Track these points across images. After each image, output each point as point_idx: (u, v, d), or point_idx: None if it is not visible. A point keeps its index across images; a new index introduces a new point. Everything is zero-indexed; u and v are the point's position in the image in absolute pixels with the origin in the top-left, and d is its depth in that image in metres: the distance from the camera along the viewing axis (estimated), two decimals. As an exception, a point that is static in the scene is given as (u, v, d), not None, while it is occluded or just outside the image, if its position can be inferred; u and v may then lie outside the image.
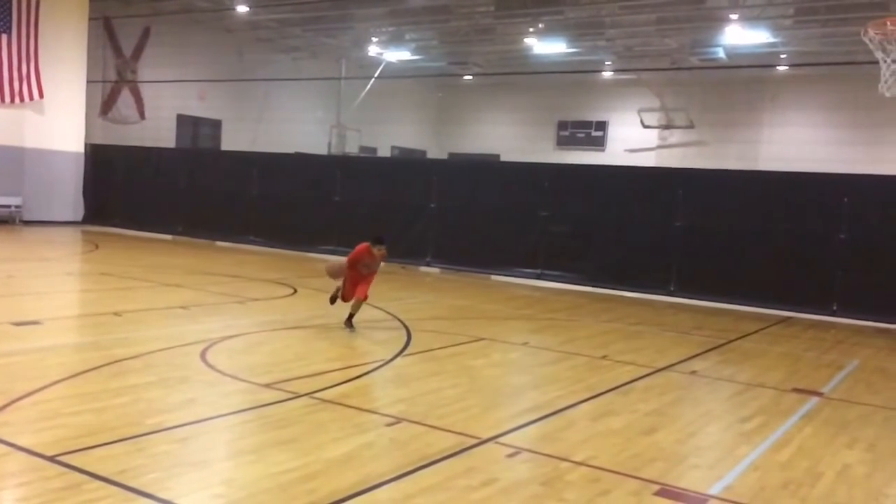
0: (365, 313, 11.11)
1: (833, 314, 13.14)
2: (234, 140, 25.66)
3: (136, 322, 9.23)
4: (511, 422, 6.12)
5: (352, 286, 9.42)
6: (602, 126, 31.97)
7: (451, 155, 31.99)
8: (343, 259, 9.62)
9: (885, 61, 6.46)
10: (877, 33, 6.46)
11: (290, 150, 23.13)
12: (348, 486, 4.54)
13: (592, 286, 15.18)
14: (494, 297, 14.17)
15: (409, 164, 22.95)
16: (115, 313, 9.60)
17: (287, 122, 27.12)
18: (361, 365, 7.73)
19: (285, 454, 5.01)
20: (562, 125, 32.83)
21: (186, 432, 5.37)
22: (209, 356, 7.65)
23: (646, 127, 28.80)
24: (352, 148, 28.88)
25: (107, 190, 22.27)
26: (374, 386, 7.18)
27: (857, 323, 12.76)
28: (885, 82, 6.52)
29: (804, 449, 5.89)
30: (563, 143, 32.54)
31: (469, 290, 14.70)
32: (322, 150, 26.83)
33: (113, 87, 23.86)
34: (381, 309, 11.30)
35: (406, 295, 13.46)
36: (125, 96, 24.11)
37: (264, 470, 4.73)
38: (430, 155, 32.37)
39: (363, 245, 9.35)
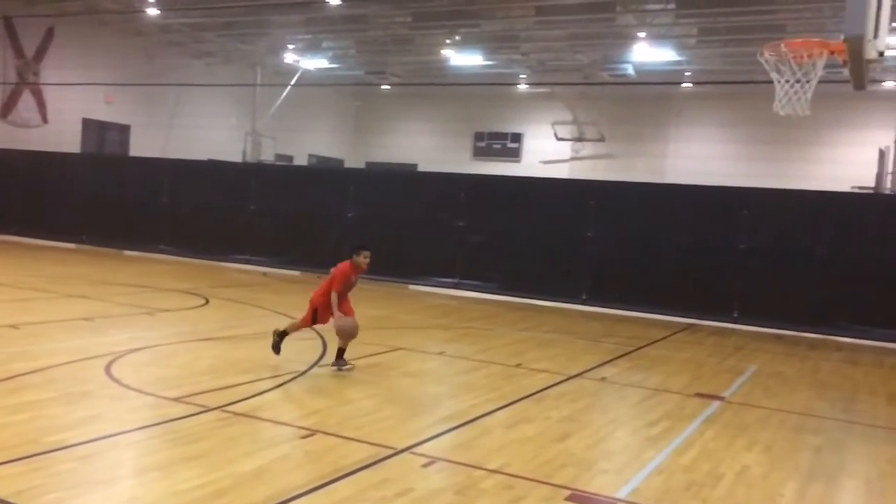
0: (279, 323, 10.94)
1: (734, 321, 13.75)
2: (143, 146, 24.84)
3: (36, 335, 8.82)
4: (427, 431, 6.15)
5: (329, 309, 8.03)
6: (518, 138, 32.54)
7: (369, 164, 31.92)
8: (345, 318, 8.03)
9: (780, 82, 6.85)
10: (772, 55, 6.84)
11: (203, 157, 22.60)
12: (260, 500, 4.47)
13: (508, 295, 15.41)
14: (412, 306, 14.20)
15: (326, 173, 22.80)
16: (13, 326, 9.14)
17: (200, 128, 26.47)
18: (275, 377, 7.61)
19: (194, 470, 4.89)
20: (478, 136, 33.25)
21: (89, 450, 5.17)
22: (114, 370, 7.39)
23: (559, 139, 29.49)
24: (267, 156, 28.42)
25: (6, 196, 21.17)
26: (288, 398, 7.08)
27: (755, 329, 13.39)
28: (780, 101, 6.90)
29: (706, 451, 6.14)
30: (480, 153, 32.95)
31: (386, 300, 14.67)
32: (236, 157, 26.29)
33: (13, 89, 22.76)
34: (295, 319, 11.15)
35: (322, 305, 13.31)
36: (26, 99, 23.05)
37: (171, 487, 4.60)
38: (348, 164, 32.21)
39: (343, 265, 8.10)
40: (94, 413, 6.02)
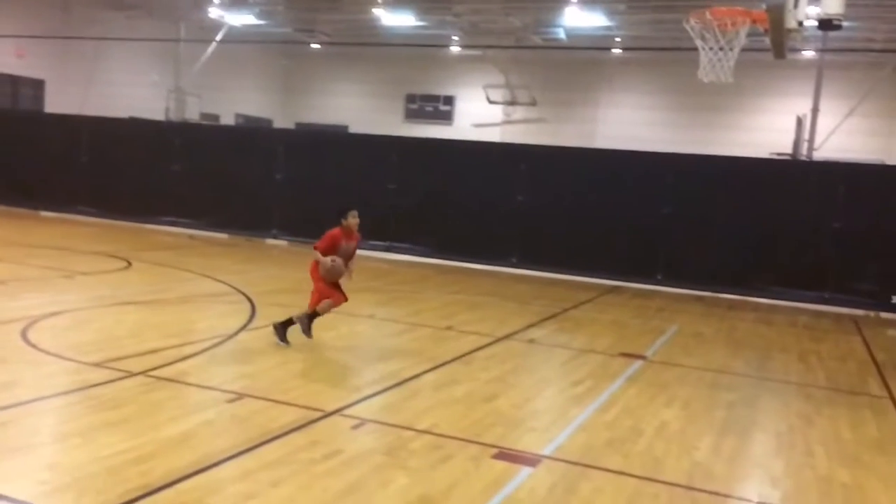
0: (206, 287, 10.76)
1: (657, 283, 14.17)
2: (59, 102, 23.67)
3: (-55, 300, 8.43)
4: (356, 394, 6.17)
5: (327, 287, 7.54)
6: (450, 101, 32.39)
7: (299, 125, 31.31)
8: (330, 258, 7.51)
9: (705, 49, 6.99)
10: (697, 22, 6.97)
11: (124, 114, 21.72)
12: (185, 465, 4.42)
13: (440, 258, 15.47)
14: (342, 269, 14.09)
15: (254, 134, 22.21)
16: (-80, 291, 8.71)
17: (120, 84, 25.38)
18: (201, 341, 7.48)
19: (116, 436, 4.78)
20: (410, 98, 32.94)
21: (5, 416, 5.00)
22: (31, 335, 7.13)
23: (491, 103, 29.45)
24: (192, 114, 27.49)
25: None
26: (214, 362, 6.97)
27: (677, 291, 13.84)
28: (704, 68, 7.06)
29: (628, 409, 6.35)
30: (412, 116, 32.69)
31: (316, 263, 14.54)
32: (159, 115, 25.37)
33: (-87, 38, 21.31)
34: (223, 282, 10.98)
35: (250, 268, 13.12)
36: (-72, 50, 21.64)
37: (93, 453, 4.50)
38: (277, 124, 31.50)
39: (332, 231, 7.60)
40: (9, 379, 5.81)
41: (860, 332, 11.33)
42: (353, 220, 7.73)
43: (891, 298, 12.81)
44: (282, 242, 17.06)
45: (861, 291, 13.04)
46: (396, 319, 9.67)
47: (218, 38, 26.01)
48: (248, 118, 31.88)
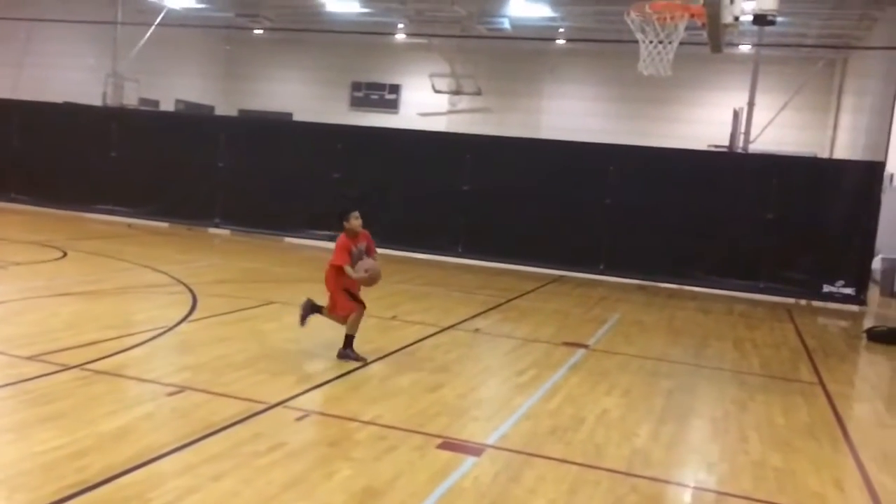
0: (146, 277, 10.54)
1: (600, 273, 14.41)
2: (-11, 85, 22.77)
3: None
4: (300, 385, 6.13)
5: (345, 296, 7.07)
6: (396, 89, 32.23)
7: (242, 112, 30.76)
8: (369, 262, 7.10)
9: (644, 42, 7.12)
10: (637, 15, 7.09)
11: (59, 99, 21.01)
12: (124, 460, 4.33)
13: (385, 247, 15.23)
14: (287, 259, 13.97)
15: (195, 120, 21.74)
16: None
17: (54, 67, 24.53)
18: (140, 333, 7.32)
19: (51, 431, 4.66)
20: (356, 86, 32.68)
21: (-68, 415, 4.83)
22: (-40, 329, 6.88)
23: (437, 92, 29.43)
24: (130, 100, 26.73)
25: None
26: (154, 355, 6.84)
27: (619, 280, 14.10)
28: (644, 61, 7.19)
29: (570, 397, 6.46)
30: (358, 104, 32.44)
31: (261, 253, 14.37)
32: (96, 100, 24.60)
33: None
34: (163, 272, 10.75)
35: (192, 258, 12.88)
36: None
37: (26, 449, 4.38)
38: (219, 111, 30.87)
39: (340, 241, 7.18)
40: (-64, 375, 5.61)
41: (793, 321, 11.73)
42: (355, 221, 7.23)
43: (822, 287, 13.29)
44: (225, 231, 16.79)
45: (794, 281, 13.49)
46: (341, 310, 9.60)
47: (157, 21, 25.32)
48: (188, 104, 31.16)
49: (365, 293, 7.15)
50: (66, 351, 6.42)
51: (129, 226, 16.55)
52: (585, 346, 8.52)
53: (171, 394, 5.58)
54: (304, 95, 31.90)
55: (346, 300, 7.07)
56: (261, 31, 28.96)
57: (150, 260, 11.73)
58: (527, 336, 8.88)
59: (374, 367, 6.89)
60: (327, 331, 8.60)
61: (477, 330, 8.98)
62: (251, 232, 16.50)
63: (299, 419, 5.32)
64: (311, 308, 7.31)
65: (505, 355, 8.05)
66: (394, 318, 9.19)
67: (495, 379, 7.07)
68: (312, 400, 5.82)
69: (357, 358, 6.97)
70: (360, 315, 7.08)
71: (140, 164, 17.04)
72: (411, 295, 11.18)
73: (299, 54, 32.16)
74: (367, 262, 7.04)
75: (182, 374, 6.11)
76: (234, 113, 30.03)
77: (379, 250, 14.55)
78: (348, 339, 7.06)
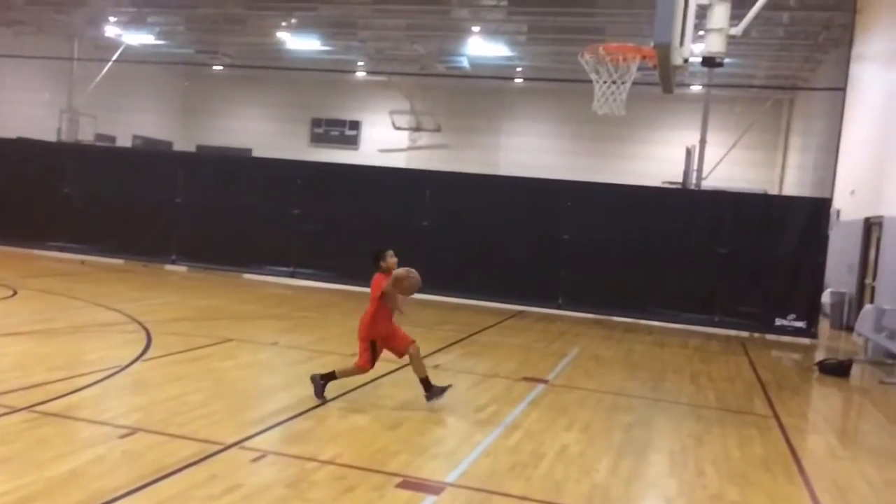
0: (99, 316, 10.34)
1: (559, 307, 14.53)
2: (-61, 120, 22.31)
3: None
4: (257, 425, 6.03)
5: (368, 348, 7.01)
6: (356, 125, 32.39)
7: (200, 148, 30.57)
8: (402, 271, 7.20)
9: (598, 82, 7.31)
10: (591, 56, 7.29)
11: (12, 134, 20.66)
12: (73, 506, 4.20)
13: (345, 284, 15.35)
14: (245, 296, 13.81)
15: (152, 156, 21.52)
16: None
17: (9, 103, 24.17)
18: (92, 373, 7.14)
19: (-2, 477, 4.51)
20: (316, 122, 32.77)
21: None
22: None
23: (397, 128, 29.68)
24: (86, 135, 26.44)
25: None
26: (106, 395, 6.68)
27: (578, 315, 14.22)
28: (598, 101, 7.37)
29: (530, 433, 6.47)
30: (318, 140, 32.50)
31: (218, 290, 14.18)
32: (51, 136, 24.26)
33: None
34: (117, 311, 10.54)
35: (147, 295, 12.66)
36: None
37: (-29, 497, 4.23)
38: (177, 147, 30.64)
39: (375, 278, 7.21)
40: None
41: (747, 354, 11.94)
42: (391, 260, 7.28)
43: (774, 321, 13.57)
44: (182, 268, 16.57)
45: (747, 314, 13.75)
46: (301, 347, 9.52)
47: (114, 57, 25.16)
48: (146, 140, 30.88)
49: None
50: (13, 393, 6.23)
51: (83, 263, 16.24)
52: (545, 381, 8.55)
53: (122, 436, 5.45)
54: (264, 131, 31.87)
55: (365, 351, 6.99)
56: (220, 68, 28.95)
57: (104, 298, 11.51)
58: (487, 371, 8.89)
59: (334, 405, 6.81)
60: (284, 368, 8.51)
61: (437, 366, 8.94)
62: (209, 268, 16.31)
63: (255, 460, 5.23)
64: (321, 380, 6.99)
65: (465, 391, 8.03)
66: (354, 354, 9.07)
67: (455, 415, 7.04)
68: (270, 440, 5.74)
69: (442, 390, 7.00)
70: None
71: (94, 200, 16.80)
72: (371, 331, 11.10)
73: (259, 90, 32.18)
74: (412, 270, 7.05)
75: (134, 416, 5.97)
76: (192, 149, 29.83)
77: (338, 286, 14.69)
78: (426, 382, 6.97)
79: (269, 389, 7.54)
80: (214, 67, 29.22)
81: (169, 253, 16.60)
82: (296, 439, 5.83)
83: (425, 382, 7.03)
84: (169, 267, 16.57)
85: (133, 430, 5.57)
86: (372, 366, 7.08)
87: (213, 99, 32.86)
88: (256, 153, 28.34)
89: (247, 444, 5.52)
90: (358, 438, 5.89)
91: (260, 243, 16.03)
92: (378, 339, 7.02)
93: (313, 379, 7.01)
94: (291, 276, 15.89)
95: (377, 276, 7.20)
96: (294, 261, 15.93)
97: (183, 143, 31.14)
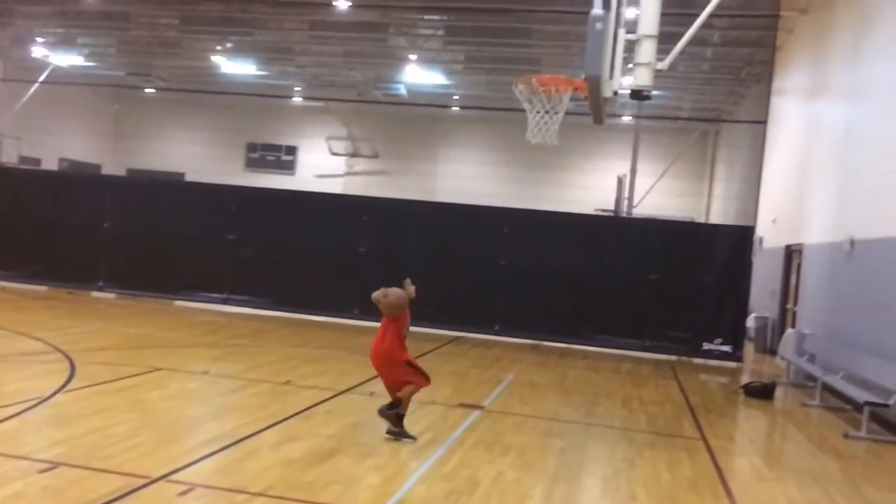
0: (19, 345, 9.95)
1: (495, 333, 14.62)
2: None
3: None
4: (186, 457, 5.87)
5: (410, 368, 7.17)
6: (292, 150, 32.18)
7: (131, 171, 29.87)
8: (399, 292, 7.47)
9: (532, 112, 7.49)
10: (525, 87, 7.46)
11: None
12: (-12, 546, 4.01)
13: (280, 311, 15.16)
14: (175, 324, 13.47)
15: (79, 179, 20.90)
16: None
17: (-75, 123, 23.20)
18: (10, 405, 6.84)
19: None
20: (251, 147, 32.43)
21: None
22: None
23: (334, 154, 29.64)
24: (10, 158, 25.56)
25: None
26: (25, 429, 6.40)
27: (514, 341, 14.34)
28: (531, 131, 7.54)
29: (466, 459, 6.47)
30: (253, 165, 32.15)
31: (147, 317, 13.80)
32: (-30, 158, 23.36)
33: None
34: (39, 339, 10.15)
35: (72, 323, 12.24)
36: None
37: None
38: (107, 170, 29.87)
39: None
40: None
41: (676, 377, 12.23)
42: (410, 287, 7.54)
43: (702, 345, 13.95)
44: (109, 295, 16.09)
45: (676, 339, 14.11)
46: (232, 375, 9.32)
47: (41, 78, 24.47)
48: (74, 163, 30.02)
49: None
50: (-76, 427, 5.93)
51: (2, 289, 15.60)
52: (481, 408, 8.57)
53: (43, 471, 5.23)
54: (198, 155, 31.37)
55: (413, 371, 7.10)
56: (152, 91, 28.44)
57: (25, 326, 11.07)
58: (423, 398, 8.83)
59: (266, 435, 6.69)
60: (215, 398, 8.31)
61: (372, 393, 8.88)
62: (138, 295, 15.88)
63: (183, 493, 5.09)
64: (390, 411, 6.94)
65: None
66: (287, 382, 9.00)
67: (391, 443, 6.99)
68: (199, 472, 5.59)
69: (407, 435, 6.87)
70: (419, 387, 7.11)
71: (16, 225, 16.22)
72: (307, 358, 10.99)
73: (193, 114, 31.71)
74: (376, 293, 7.32)
75: (56, 449, 5.74)
76: (122, 172, 29.12)
77: (273, 313, 14.54)
78: (400, 418, 6.89)
79: (199, 420, 7.35)
80: (147, 90, 28.68)
81: (96, 279, 16.11)
82: (226, 471, 5.70)
83: (399, 418, 6.92)
84: (96, 294, 16.07)
85: (54, 465, 5.35)
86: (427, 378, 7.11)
87: (145, 122, 32.20)
88: (190, 177, 27.85)
89: (174, 477, 5.36)
90: (291, 469, 5.80)
91: (192, 269, 15.72)
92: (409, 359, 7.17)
93: (382, 413, 6.88)
94: (224, 302, 15.59)
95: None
96: (227, 287, 15.66)
97: (113, 167, 30.39)
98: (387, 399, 7.14)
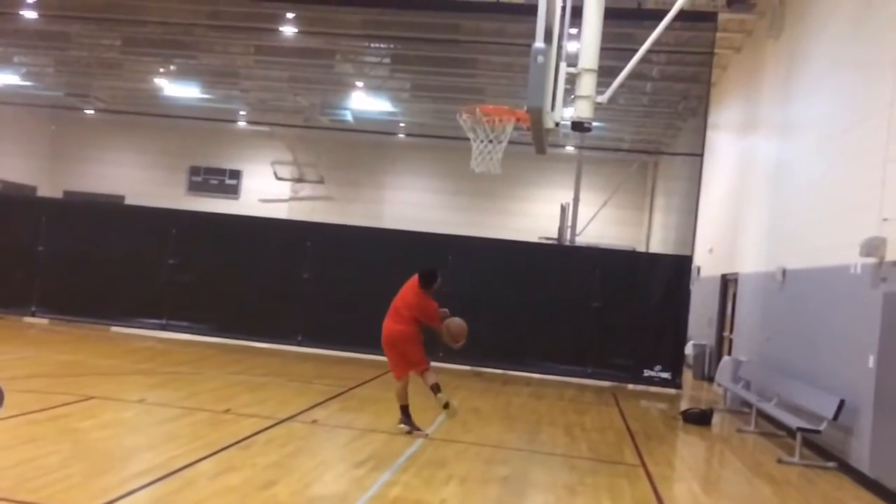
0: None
1: (439, 360, 14.53)
2: None
3: None
4: (118, 489, 5.69)
5: (422, 349, 8.49)
6: (236, 174, 31.77)
7: (68, 193, 29.08)
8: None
9: (476, 142, 7.61)
10: (469, 117, 7.58)
11: None
12: None
13: (221, 337, 14.89)
14: (111, 350, 13.11)
15: (13, 201, 20.24)
16: None
17: None
18: (-67, 436, 6.56)
19: None
20: (194, 171, 31.91)
21: None
22: None
23: (279, 179, 29.42)
24: (-64, 178, 24.64)
25: None
26: (-52, 461, 6.13)
27: (457, 367, 14.31)
28: (475, 160, 7.66)
29: (409, 487, 6.43)
30: (196, 189, 31.61)
31: (82, 344, 13.40)
32: None
33: None
34: (-35, 368, 9.75)
35: (1, 350, 11.79)
36: None
37: None
38: (42, 192, 29.01)
39: (432, 302, 8.49)
40: None
41: (618, 404, 12.39)
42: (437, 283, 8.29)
43: (642, 372, 14.19)
44: (42, 321, 15.57)
45: (617, 366, 14.32)
46: (170, 404, 9.10)
47: (-27, 96, 23.74)
48: (7, 184, 29.07)
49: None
50: None
51: (-73, 315, 14.98)
52: (424, 435, 8.54)
53: (-35, 505, 5.02)
54: (139, 178, 30.70)
55: (423, 353, 8.22)
56: (92, 112, 27.83)
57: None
58: (366, 426, 8.79)
59: (204, 466, 6.54)
60: (150, 427, 8.10)
61: (314, 421, 8.78)
62: (73, 321, 15.41)
63: (116, 526, 4.94)
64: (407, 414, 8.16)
65: (343, 447, 7.91)
66: (227, 410, 8.82)
67: (332, 472, 6.91)
68: (132, 504, 5.43)
69: (416, 428, 8.11)
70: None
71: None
72: (248, 386, 10.79)
73: (135, 136, 31.07)
74: (454, 319, 8.17)
75: (-19, 482, 5.52)
76: (59, 194, 28.34)
77: (214, 339, 14.25)
78: (405, 409, 8.03)
79: (133, 450, 7.15)
80: (86, 111, 28.06)
81: (28, 304, 15.58)
82: (161, 503, 5.54)
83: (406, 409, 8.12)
84: (28, 319, 15.53)
85: (-23, 499, 5.14)
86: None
87: (84, 144, 31.43)
88: (130, 200, 27.20)
89: (107, 509, 5.20)
90: (228, 500, 5.68)
91: (130, 294, 15.35)
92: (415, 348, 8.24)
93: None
94: (163, 328, 15.25)
95: (422, 294, 8.44)
96: (167, 313, 15.32)
97: (49, 189, 29.54)
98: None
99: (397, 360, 8.30)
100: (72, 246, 15.62)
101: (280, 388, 10.92)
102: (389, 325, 8.39)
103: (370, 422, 9.06)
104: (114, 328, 15.41)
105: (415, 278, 8.36)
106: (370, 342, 14.47)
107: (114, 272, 15.36)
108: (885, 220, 8.13)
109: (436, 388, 8.02)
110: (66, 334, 14.51)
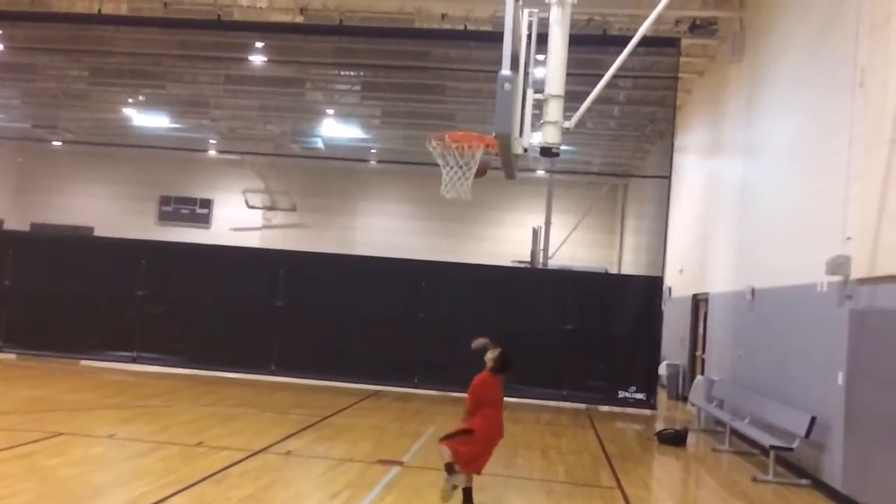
0: None
1: (415, 386, 14.55)
2: None
3: None
4: (88, 527, 5.58)
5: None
6: (207, 203, 31.55)
7: (35, 226, 28.64)
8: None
9: (445, 168, 7.67)
10: (438, 144, 7.64)
11: None
12: None
13: (193, 368, 14.72)
14: (80, 385, 12.89)
15: (-23, 235, 19.95)
16: None
17: None
18: None
19: None
20: (164, 200, 31.65)
21: None
22: None
23: (250, 207, 29.27)
24: None
25: None
26: (-90, 503, 5.97)
27: (434, 393, 14.29)
28: (445, 186, 7.70)
29: (384, 517, 6.38)
30: (166, 219, 31.33)
31: (50, 379, 13.15)
32: None
33: None
34: (-72, 407, 9.52)
35: (-35, 388, 11.54)
36: None
37: None
38: (8, 225, 28.55)
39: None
40: None
41: (593, 426, 12.41)
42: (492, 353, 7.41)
43: (617, 393, 14.24)
44: (10, 356, 15.27)
45: (593, 388, 14.36)
46: (141, 438, 8.96)
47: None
48: (-29, 217, 28.61)
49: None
50: None
51: None
52: (400, 463, 8.48)
53: (-72, 549, 4.88)
54: (108, 209, 30.36)
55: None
56: (59, 144, 27.56)
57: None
58: (342, 456, 8.71)
59: (174, 501, 6.43)
60: (121, 463, 7.95)
61: (289, 452, 8.69)
62: (41, 355, 15.14)
63: (86, 566, 4.83)
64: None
65: (318, 477, 7.83)
66: (200, 444, 8.69)
67: (307, 504, 6.84)
68: (102, 542, 5.32)
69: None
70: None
71: None
72: (221, 417, 10.65)
73: (103, 167, 30.78)
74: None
75: (-56, 525, 5.38)
76: (26, 227, 27.91)
77: (186, 371, 14.08)
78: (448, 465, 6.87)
79: (103, 487, 7.01)
80: (54, 143, 27.77)
81: (-6, 340, 15.30)
82: (132, 540, 5.44)
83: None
84: (-7, 355, 15.23)
85: (-59, 542, 5.00)
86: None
87: (52, 175, 31.05)
88: (99, 232, 26.87)
89: (76, 549, 5.09)
90: (201, 535, 5.58)
91: (99, 327, 15.14)
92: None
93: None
94: (134, 361, 15.03)
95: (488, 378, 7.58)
96: (137, 345, 15.12)
97: (15, 222, 29.06)
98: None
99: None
100: (39, 279, 15.39)
101: (253, 419, 10.78)
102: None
103: (346, 451, 8.98)
104: (83, 362, 15.16)
105: (486, 374, 7.81)
106: (345, 369, 14.54)
107: (83, 305, 15.15)
108: (849, 238, 8.29)
109: (450, 469, 7.15)
110: (33, 369, 14.24)
